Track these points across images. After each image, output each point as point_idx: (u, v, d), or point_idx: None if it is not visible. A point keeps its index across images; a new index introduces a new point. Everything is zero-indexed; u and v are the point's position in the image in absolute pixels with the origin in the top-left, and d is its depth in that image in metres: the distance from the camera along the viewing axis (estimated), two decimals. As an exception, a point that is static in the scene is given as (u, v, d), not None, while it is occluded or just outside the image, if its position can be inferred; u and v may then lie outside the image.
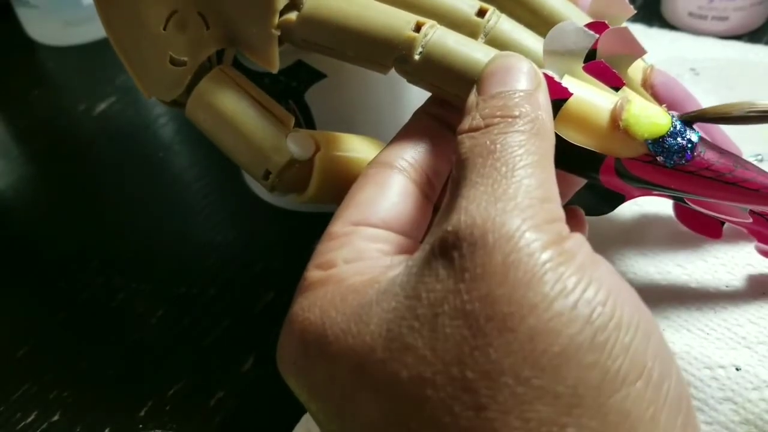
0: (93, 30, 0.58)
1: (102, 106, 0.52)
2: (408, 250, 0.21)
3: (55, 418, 0.32)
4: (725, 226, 0.28)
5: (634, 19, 0.31)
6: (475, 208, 0.17)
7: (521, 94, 0.20)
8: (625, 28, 0.24)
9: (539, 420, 0.15)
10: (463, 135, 0.20)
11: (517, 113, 0.19)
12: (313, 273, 0.20)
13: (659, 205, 0.31)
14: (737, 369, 0.25)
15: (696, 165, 0.22)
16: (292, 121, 0.26)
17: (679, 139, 0.21)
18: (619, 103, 0.22)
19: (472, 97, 0.21)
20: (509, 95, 0.20)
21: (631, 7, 0.27)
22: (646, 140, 0.21)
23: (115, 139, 0.49)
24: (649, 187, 0.23)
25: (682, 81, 0.29)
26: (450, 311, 0.17)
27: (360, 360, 0.17)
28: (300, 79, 0.33)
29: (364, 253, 0.20)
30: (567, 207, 0.26)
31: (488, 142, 0.19)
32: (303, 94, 0.33)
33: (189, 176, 0.45)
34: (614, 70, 0.23)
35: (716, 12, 0.46)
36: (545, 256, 0.17)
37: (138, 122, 0.50)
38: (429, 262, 0.18)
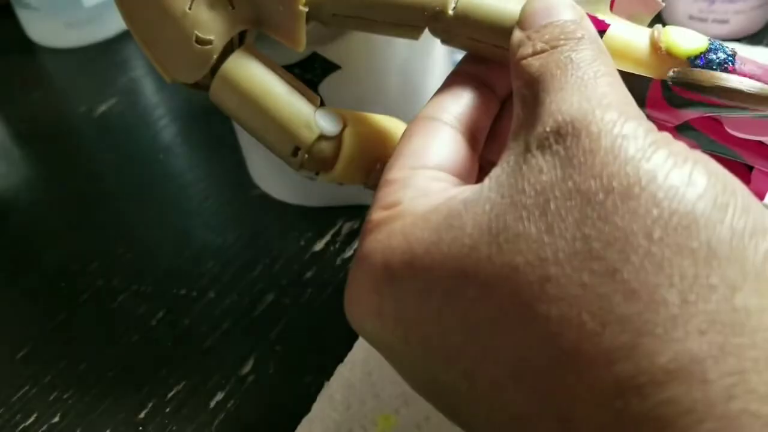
0: (94, 32, 0.57)
1: (102, 107, 0.52)
2: None
3: (55, 419, 0.32)
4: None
5: (635, 22, 0.31)
6: (569, 107, 0.18)
7: (573, 22, 0.21)
8: None
9: (681, 274, 0.15)
10: (529, 58, 0.20)
11: (579, 35, 0.20)
12: (379, 213, 0.20)
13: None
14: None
15: (740, 75, 0.23)
16: (318, 100, 0.26)
17: (719, 53, 0.23)
18: (656, 31, 0.23)
19: (518, 33, 0.21)
20: (563, 23, 0.20)
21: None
22: (689, 58, 0.22)
23: (115, 141, 0.49)
24: (695, 108, 0.23)
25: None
26: (563, 194, 0.17)
27: (461, 263, 0.17)
28: (315, 72, 0.33)
29: (429, 189, 0.20)
30: None
31: (562, 58, 0.19)
32: (317, 86, 0.34)
33: (189, 178, 0.45)
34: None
35: (716, 15, 0.46)
36: (650, 138, 0.17)
37: (139, 124, 0.50)
38: (527, 160, 0.18)
